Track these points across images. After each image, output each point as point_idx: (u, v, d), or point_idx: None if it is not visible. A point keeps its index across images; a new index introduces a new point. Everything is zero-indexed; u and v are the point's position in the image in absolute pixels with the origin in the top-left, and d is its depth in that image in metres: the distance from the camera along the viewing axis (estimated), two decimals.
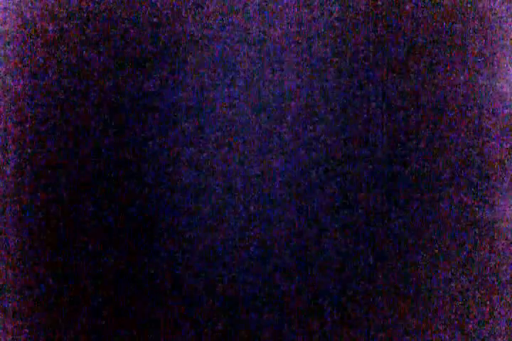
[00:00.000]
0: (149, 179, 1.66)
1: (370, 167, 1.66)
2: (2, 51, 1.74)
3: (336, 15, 1.67)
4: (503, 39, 1.72)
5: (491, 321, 1.68)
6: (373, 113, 1.66)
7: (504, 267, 1.69)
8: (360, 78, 1.67)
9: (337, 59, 1.66)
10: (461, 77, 1.70)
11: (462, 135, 1.69)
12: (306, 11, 1.67)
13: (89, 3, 1.69)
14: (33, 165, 1.70)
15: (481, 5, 1.71)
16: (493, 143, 1.71)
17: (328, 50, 1.66)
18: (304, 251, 1.65)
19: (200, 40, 1.67)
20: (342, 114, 1.66)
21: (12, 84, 1.73)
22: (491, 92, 1.71)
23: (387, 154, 1.66)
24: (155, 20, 1.68)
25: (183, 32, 1.67)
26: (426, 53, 1.68)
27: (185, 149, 1.66)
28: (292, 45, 1.66)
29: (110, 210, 1.66)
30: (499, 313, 1.69)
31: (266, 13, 1.67)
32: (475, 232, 1.68)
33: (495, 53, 1.72)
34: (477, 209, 1.69)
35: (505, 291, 1.69)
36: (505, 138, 1.72)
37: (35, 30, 1.72)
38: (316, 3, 1.66)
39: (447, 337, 1.67)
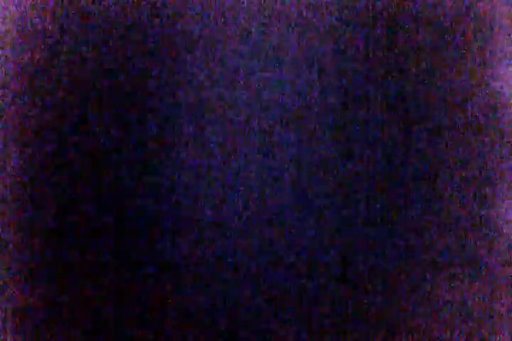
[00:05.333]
0: (149, 179, 1.66)
1: (370, 167, 1.66)
2: (2, 51, 1.74)
3: (336, 15, 1.67)
4: (503, 39, 1.72)
5: (490, 321, 1.68)
6: (373, 113, 1.66)
7: (504, 267, 1.69)
8: (360, 78, 1.67)
9: (337, 59, 1.66)
10: (462, 77, 1.70)
11: (462, 135, 1.69)
12: (306, 10, 1.67)
13: (89, 3, 1.69)
14: (33, 165, 1.70)
15: (481, 5, 1.71)
16: (493, 143, 1.71)
17: (328, 50, 1.66)
18: (303, 250, 1.64)
19: (200, 40, 1.67)
20: (342, 114, 1.66)
21: (12, 84, 1.73)
22: (490, 92, 1.71)
23: (387, 154, 1.66)
24: (155, 20, 1.68)
25: (183, 32, 1.67)
26: (426, 53, 1.68)
27: (185, 149, 1.66)
28: (292, 45, 1.66)
29: (110, 210, 1.66)
30: (499, 313, 1.69)
31: (266, 13, 1.67)
32: (475, 232, 1.68)
33: (495, 53, 1.72)
34: (477, 209, 1.69)
35: (505, 291, 1.69)
36: (505, 138, 1.72)
37: (35, 30, 1.72)
38: (316, 3, 1.66)
39: (447, 337, 1.67)
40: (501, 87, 1.72)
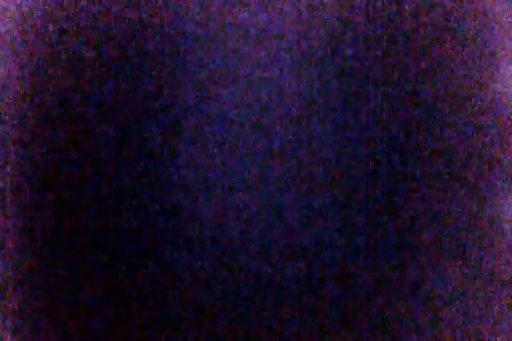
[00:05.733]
0: (149, 179, 1.66)
1: (370, 167, 1.66)
2: (2, 51, 1.74)
3: (335, 15, 1.67)
4: (503, 39, 1.73)
5: (491, 321, 1.68)
6: (373, 113, 1.66)
7: (504, 267, 1.70)
8: (360, 78, 1.67)
9: (337, 59, 1.67)
10: (462, 77, 1.70)
11: (462, 135, 1.69)
12: (306, 10, 1.67)
13: (89, 3, 1.69)
14: (33, 165, 1.70)
15: (481, 5, 1.71)
16: (493, 143, 1.71)
17: (328, 50, 1.66)
18: (304, 251, 1.65)
19: (200, 40, 1.67)
20: (342, 114, 1.66)
21: (12, 84, 1.73)
22: (491, 92, 1.71)
23: (387, 154, 1.66)
24: (155, 20, 1.68)
25: (183, 32, 1.67)
26: (426, 53, 1.68)
27: (185, 149, 1.66)
28: (292, 45, 1.66)
29: (110, 210, 1.66)
30: (499, 313, 1.69)
31: (266, 13, 1.67)
32: (475, 232, 1.68)
33: (495, 53, 1.72)
34: (477, 209, 1.69)
35: (505, 291, 1.69)
36: (505, 138, 1.72)
37: (35, 30, 1.72)
38: (316, 3, 1.66)
39: (447, 337, 1.67)
40: (501, 87, 1.72)
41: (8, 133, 1.72)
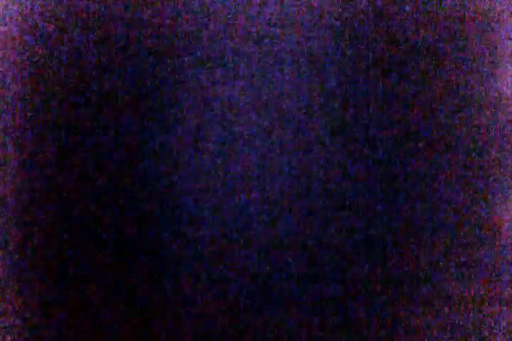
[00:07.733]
0: (149, 179, 1.66)
1: (370, 167, 1.66)
2: (2, 51, 1.74)
3: (336, 15, 1.67)
4: (503, 39, 1.73)
5: (491, 321, 1.68)
6: (373, 113, 1.66)
7: (504, 267, 1.70)
8: (360, 78, 1.67)
9: (337, 59, 1.67)
10: (461, 77, 1.70)
11: (462, 135, 1.69)
12: (306, 10, 1.67)
13: (89, 3, 1.69)
14: (33, 165, 1.70)
15: (481, 5, 1.71)
16: (493, 143, 1.71)
17: (328, 50, 1.66)
18: (304, 251, 1.65)
19: (200, 40, 1.67)
20: (342, 114, 1.66)
21: (12, 84, 1.73)
22: (491, 92, 1.71)
23: (387, 154, 1.66)
24: (155, 20, 1.68)
25: (183, 32, 1.67)
26: (426, 53, 1.68)
27: (185, 149, 1.66)
28: (292, 45, 1.66)
29: (110, 210, 1.66)
30: (499, 313, 1.69)
31: (266, 13, 1.67)
32: (475, 232, 1.68)
33: (495, 53, 1.72)
34: (477, 209, 1.69)
35: (505, 291, 1.69)
36: (505, 138, 1.72)
37: (35, 30, 1.72)
38: (316, 3, 1.67)
39: (447, 337, 1.67)
40: (501, 87, 1.72)
41: (8, 133, 1.72)
